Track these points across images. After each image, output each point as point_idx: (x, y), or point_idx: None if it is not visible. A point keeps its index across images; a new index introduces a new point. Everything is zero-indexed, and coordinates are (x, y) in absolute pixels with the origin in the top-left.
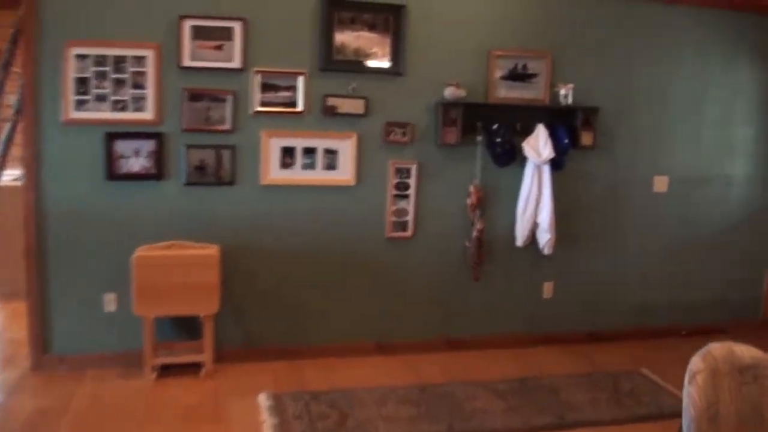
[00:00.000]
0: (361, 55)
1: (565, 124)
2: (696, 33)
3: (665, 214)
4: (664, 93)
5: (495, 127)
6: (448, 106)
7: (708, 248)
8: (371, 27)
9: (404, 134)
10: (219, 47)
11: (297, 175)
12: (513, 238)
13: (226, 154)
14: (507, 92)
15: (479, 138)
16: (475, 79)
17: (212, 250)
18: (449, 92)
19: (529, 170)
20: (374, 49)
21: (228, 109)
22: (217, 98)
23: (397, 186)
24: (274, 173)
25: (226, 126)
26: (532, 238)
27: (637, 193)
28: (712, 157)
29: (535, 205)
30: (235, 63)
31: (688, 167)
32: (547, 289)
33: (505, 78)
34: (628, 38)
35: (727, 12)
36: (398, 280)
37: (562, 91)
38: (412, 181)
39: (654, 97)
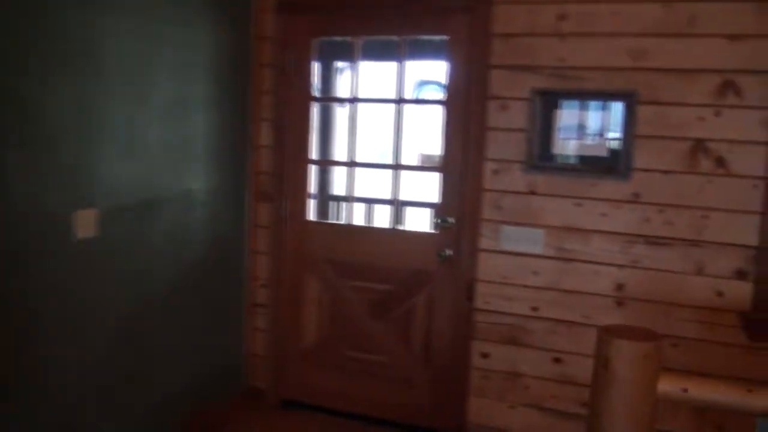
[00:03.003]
0: None
1: None
2: None
3: (99, 274)
4: (92, 55)
5: None
6: None
7: (167, 310)
8: None
9: None
10: None
11: None
12: None
13: None
14: None
15: None
16: None
17: None
18: None
19: None
20: None
21: None
22: None
23: None
24: None
25: None
26: None
27: (48, 247)
28: (164, 164)
29: None
30: None
31: (129, 187)
32: None
33: None
34: None
35: None
36: None
37: None
38: None
39: (75, 62)
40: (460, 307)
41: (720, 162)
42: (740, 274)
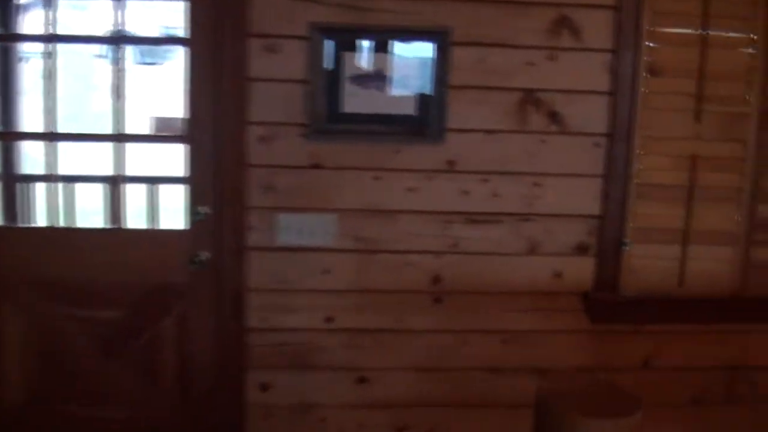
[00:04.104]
0: None
1: None
2: None
3: None
4: None
5: None
6: None
7: None
8: None
9: None
10: None
11: None
12: None
13: None
14: None
15: None
16: None
17: None
18: None
19: None
20: None
21: None
22: None
23: None
24: None
25: None
26: None
27: None
28: None
29: None
30: None
31: None
32: None
33: None
34: None
35: None
36: None
37: None
38: None
39: None
40: (227, 328)
41: (554, 117)
42: (581, 249)
